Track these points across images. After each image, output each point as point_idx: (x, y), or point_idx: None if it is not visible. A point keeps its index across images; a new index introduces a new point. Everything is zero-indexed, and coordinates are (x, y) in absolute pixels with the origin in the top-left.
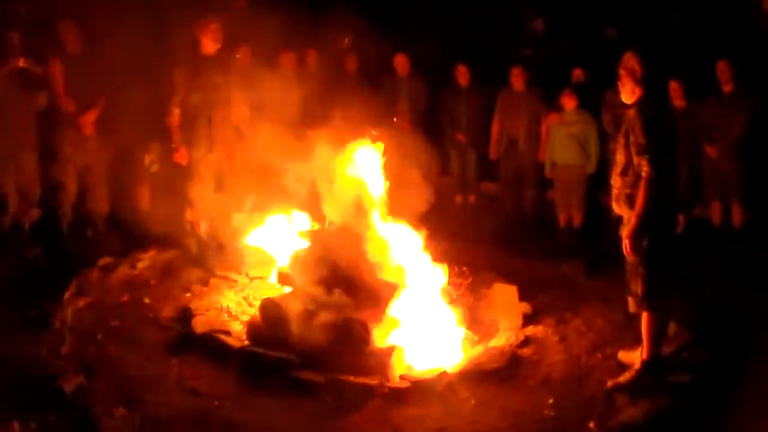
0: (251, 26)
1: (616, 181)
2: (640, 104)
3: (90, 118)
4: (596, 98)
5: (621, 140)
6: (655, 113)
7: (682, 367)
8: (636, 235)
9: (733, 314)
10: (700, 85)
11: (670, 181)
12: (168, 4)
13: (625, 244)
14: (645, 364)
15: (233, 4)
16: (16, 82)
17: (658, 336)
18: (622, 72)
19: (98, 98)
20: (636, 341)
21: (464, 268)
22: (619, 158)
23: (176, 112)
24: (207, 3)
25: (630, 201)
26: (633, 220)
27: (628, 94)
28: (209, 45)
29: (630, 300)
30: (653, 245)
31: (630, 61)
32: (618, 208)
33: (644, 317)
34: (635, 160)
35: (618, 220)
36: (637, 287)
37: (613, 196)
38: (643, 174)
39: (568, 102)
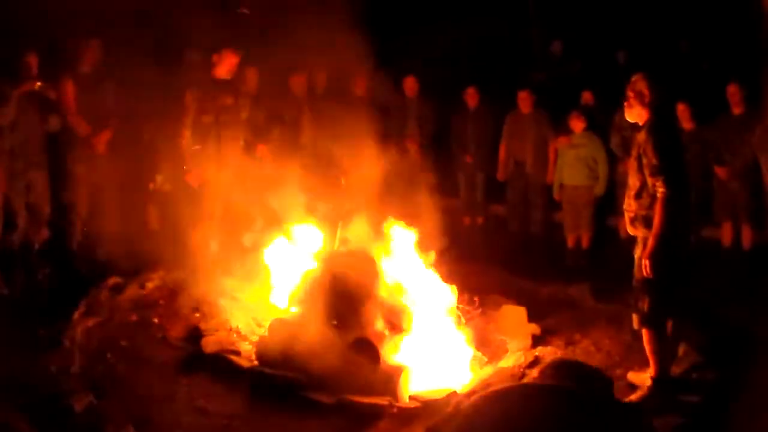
0: (261, 48)
1: (630, 205)
2: (650, 126)
3: (103, 138)
4: (605, 121)
5: (633, 164)
6: (665, 134)
7: (692, 388)
8: (655, 255)
9: (743, 335)
10: (709, 107)
11: (684, 201)
12: (180, 26)
13: (645, 263)
14: (655, 382)
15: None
16: (30, 104)
17: (661, 352)
18: (630, 93)
19: (110, 118)
20: (645, 363)
21: (475, 298)
22: (632, 182)
23: (187, 133)
24: (219, 26)
25: (647, 222)
26: (651, 241)
27: (635, 116)
28: (222, 72)
29: (634, 316)
30: (666, 265)
31: (639, 83)
32: (634, 230)
33: (645, 334)
34: (650, 181)
35: (628, 242)
36: (643, 305)
37: (628, 220)
38: (659, 195)
39: (577, 124)
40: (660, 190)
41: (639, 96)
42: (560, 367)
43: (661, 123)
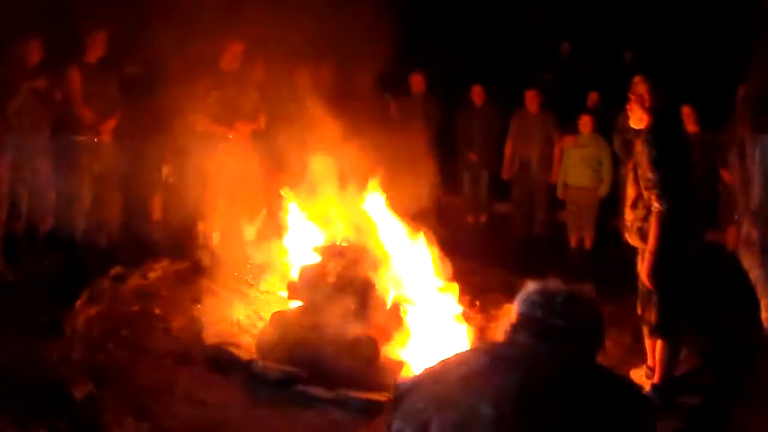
0: (268, 38)
1: (628, 214)
2: (647, 136)
3: (108, 126)
4: (610, 122)
5: (630, 174)
6: (663, 145)
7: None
8: (654, 271)
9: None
10: (719, 110)
11: (684, 212)
12: (188, 16)
13: (644, 281)
14: (655, 388)
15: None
16: (37, 95)
17: (671, 361)
18: (631, 97)
19: (115, 107)
20: (643, 362)
21: (476, 302)
22: (629, 191)
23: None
24: (226, 17)
25: (642, 234)
26: (648, 257)
27: (637, 120)
28: (228, 63)
29: (644, 328)
30: (668, 276)
31: (639, 87)
32: (631, 240)
33: (659, 345)
34: (645, 194)
35: (630, 244)
36: (650, 315)
37: (626, 229)
38: (653, 210)
39: (585, 126)
40: (654, 205)
41: (640, 100)
42: None
43: (659, 131)
